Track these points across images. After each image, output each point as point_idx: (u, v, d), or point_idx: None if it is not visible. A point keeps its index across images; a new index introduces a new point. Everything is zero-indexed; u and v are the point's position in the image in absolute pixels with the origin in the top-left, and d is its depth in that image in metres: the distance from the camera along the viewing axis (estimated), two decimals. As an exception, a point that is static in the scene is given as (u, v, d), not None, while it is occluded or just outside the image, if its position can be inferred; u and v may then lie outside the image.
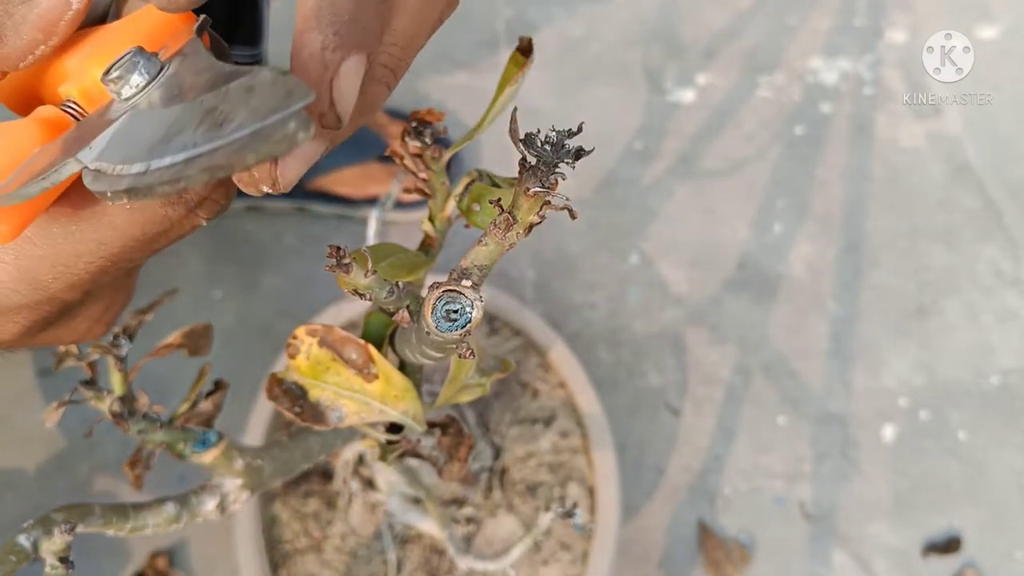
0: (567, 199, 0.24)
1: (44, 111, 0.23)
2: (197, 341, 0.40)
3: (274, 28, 0.84)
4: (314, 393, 0.38)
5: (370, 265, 0.27)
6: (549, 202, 0.24)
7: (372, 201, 0.87)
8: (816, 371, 0.84)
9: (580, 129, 0.24)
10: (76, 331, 0.30)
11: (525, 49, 0.33)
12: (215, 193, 0.25)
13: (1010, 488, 0.80)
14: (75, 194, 0.23)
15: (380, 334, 0.40)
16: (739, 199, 0.94)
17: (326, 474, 0.65)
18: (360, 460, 0.62)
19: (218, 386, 0.40)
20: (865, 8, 1.07)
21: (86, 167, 0.20)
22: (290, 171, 0.22)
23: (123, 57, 0.21)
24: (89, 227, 0.24)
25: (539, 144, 0.23)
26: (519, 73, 0.33)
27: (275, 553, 0.62)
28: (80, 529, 0.33)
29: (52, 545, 0.31)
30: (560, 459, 0.66)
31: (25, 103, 0.24)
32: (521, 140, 0.23)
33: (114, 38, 0.22)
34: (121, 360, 0.35)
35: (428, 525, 0.61)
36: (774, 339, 0.86)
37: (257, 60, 0.80)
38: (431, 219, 0.40)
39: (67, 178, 0.20)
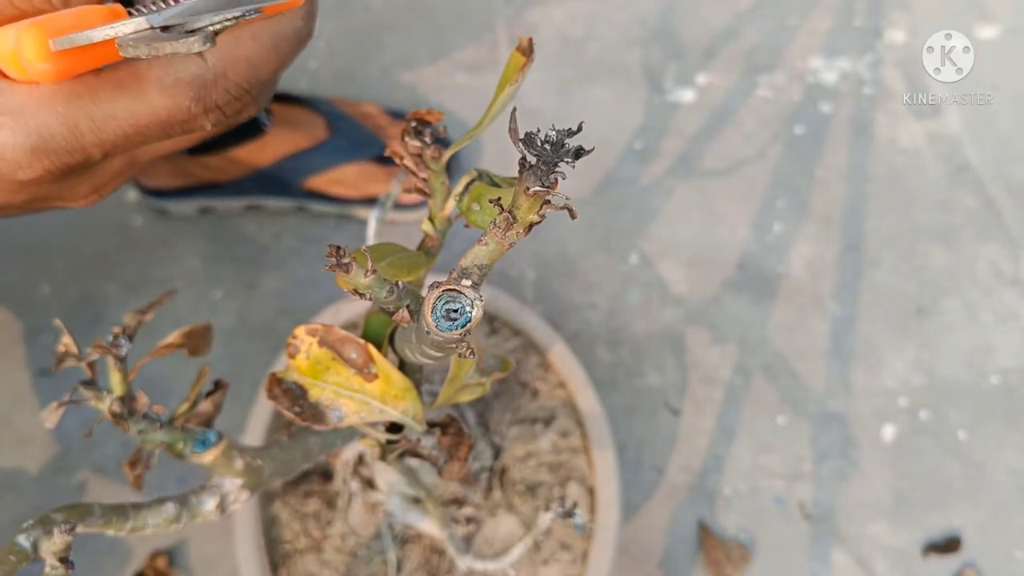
0: (567, 198, 0.24)
1: (115, 6, 0.30)
2: (197, 341, 0.40)
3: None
4: (314, 393, 0.38)
5: (370, 265, 0.27)
6: (549, 201, 0.24)
7: (371, 201, 0.87)
8: (816, 371, 0.84)
9: (580, 128, 0.24)
10: (77, 193, 0.35)
11: (525, 49, 0.33)
12: (226, 108, 0.33)
13: (1010, 488, 0.80)
14: (125, 71, 0.31)
15: (380, 334, 0.40)
16: (739, 199, 0.94)
17: (326, 474, 0.65)
18: (360, 460, 0.62)
19: (218, 386, 0.40)
20: (865, 8, 1.07)
21: (153, 27, 0.28)
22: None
23: None
24: (128, 98, 0.31)
25: (539, 143, 0.23)
26: (519, 73, 0.33)
27: (275, 553, 0.62)
28: (80, 529, 0.33)
29: (52, 545, 0.31)
30: (560, 459, 0.66)
31: None
32: (521, 139, 0.23)
33: None
34: (121, 360, 0.36)
35: (428, 525, 0.61)
36: (774, 339, 0.86)
37: None
38: (431, 219, 0.40)
39: (129, 31, 0.28)
